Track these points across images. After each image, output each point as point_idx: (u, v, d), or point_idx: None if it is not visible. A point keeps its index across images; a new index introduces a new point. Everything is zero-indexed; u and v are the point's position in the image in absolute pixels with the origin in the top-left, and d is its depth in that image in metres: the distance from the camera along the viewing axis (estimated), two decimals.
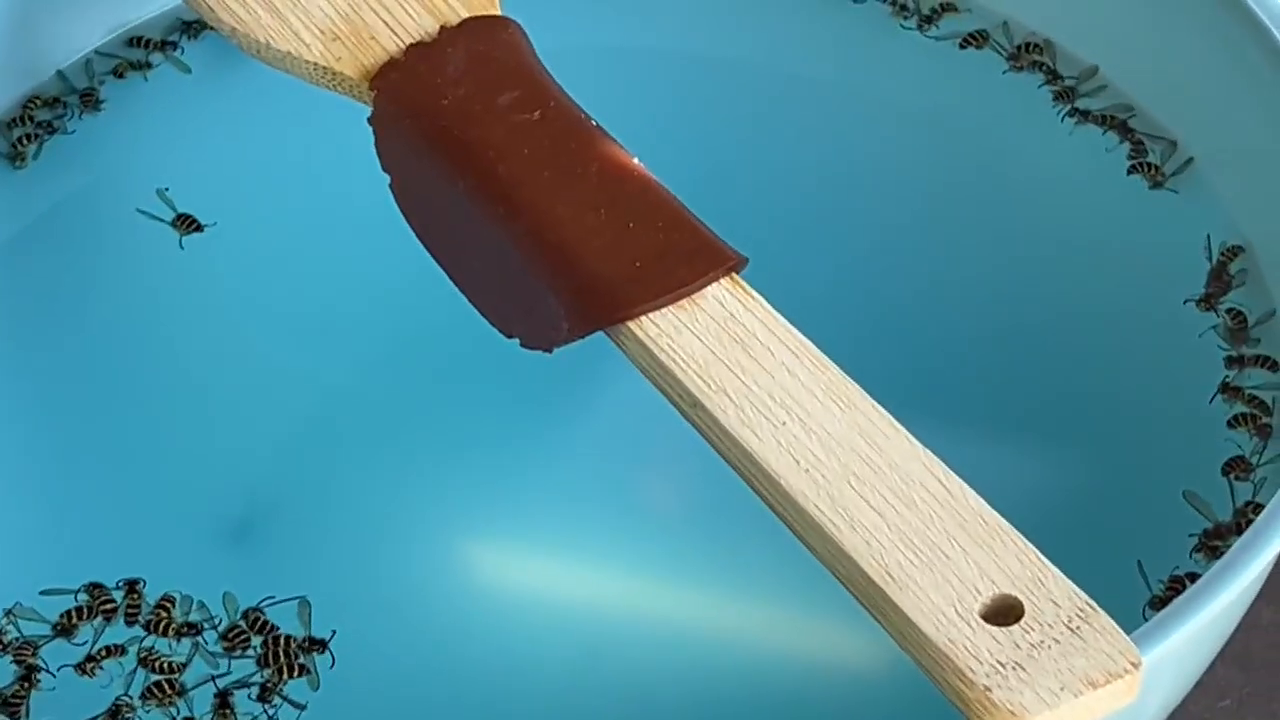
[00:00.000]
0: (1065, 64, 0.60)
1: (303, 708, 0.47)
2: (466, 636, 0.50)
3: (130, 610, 0.49)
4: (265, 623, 0.48)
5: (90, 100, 0.60)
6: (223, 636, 0.48)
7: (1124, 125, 0.58)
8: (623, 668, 0.49)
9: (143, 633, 0.48)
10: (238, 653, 0.48)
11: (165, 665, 0.48)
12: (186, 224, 0.57)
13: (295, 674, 0.48)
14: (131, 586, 0.49)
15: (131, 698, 0.47)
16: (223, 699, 0.47)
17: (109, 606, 0.49)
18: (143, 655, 0.48)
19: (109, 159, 0.59)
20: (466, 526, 0.52)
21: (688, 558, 0.51)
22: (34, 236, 0.58)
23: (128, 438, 0.54)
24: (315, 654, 0.48)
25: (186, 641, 0.48)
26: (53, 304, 0.56)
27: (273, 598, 0.49)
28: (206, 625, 0.48)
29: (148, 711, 0.47)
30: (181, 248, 0.56)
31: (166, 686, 0.47)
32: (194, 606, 0.49)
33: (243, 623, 0.48)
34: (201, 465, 0.53)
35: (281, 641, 0.48)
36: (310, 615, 0.49)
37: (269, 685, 0.47)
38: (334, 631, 0.48)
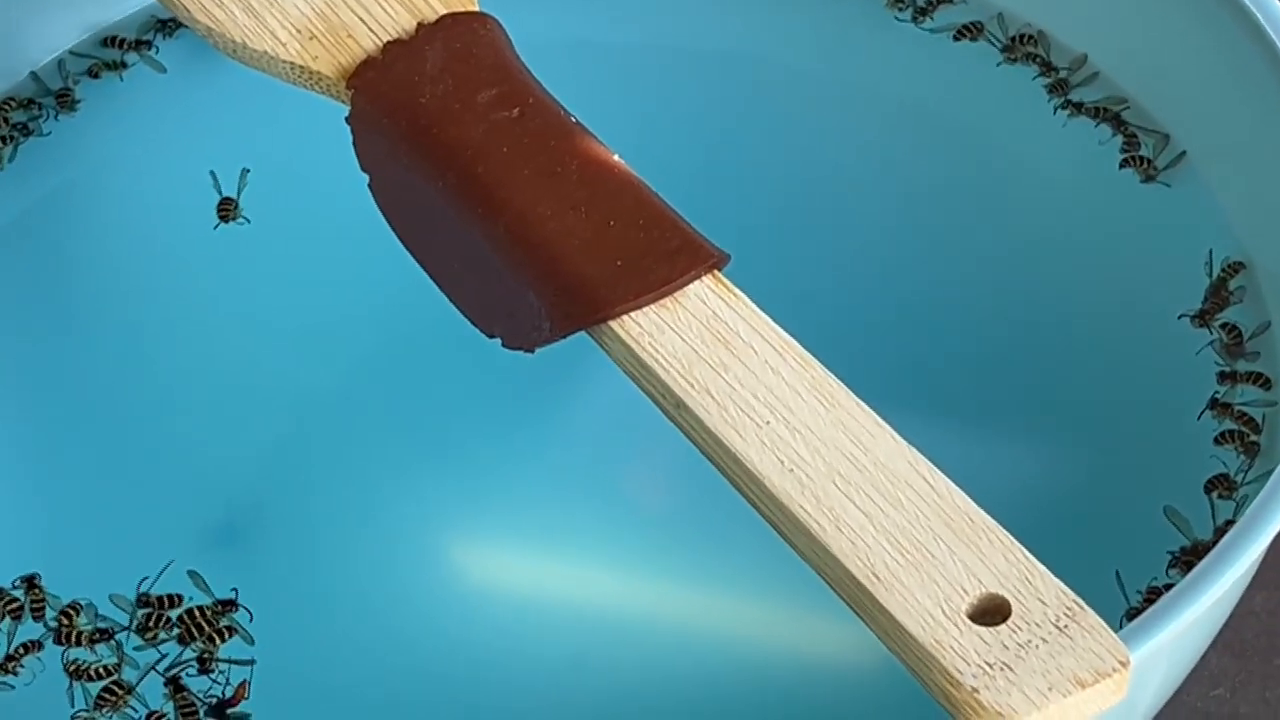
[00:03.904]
0: (1059, 56, 0.60)
1: (251, 663, 0.47)
2: (451, 636, 0.50)
3: (35, 606, 0.49)
4: (166, 598, 0.48)
5: (65, 101, 0.60)
6: (140, 631, 0.48)
7: (1117, 118, 0.58)
8: (609, 665, 0.49)
9: (55, 635, 0.48)
10: (162, 637, 0.48)
11: (100, 671, 0.47)
12: (225, 211, 0.56)
13: (224, 638, 0.48)
14: (30, 582, 0.49)
15: (91, 713, 0.47)
16: (174, 683, 0.47)
17: (14, 606, 0.49)
18: (72, 669, 0.48)
19: (85, 160, 0.59)
20: (450, 526, 0.52)
21: (674, 554, 0.51)
22: (11, 239, 0.57)
23: (109, 442, 0.54)
24: (232, 614, 0.48)
25: (103, 647, 0.48)
26: (30, 307, 0.56)
27: (147, 577, 0.48)
28: (117, 628, 0.48)
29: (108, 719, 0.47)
30: (214, 229, 0.56)
31: (115, 689, 0.47)
32: (96, 614, 0.49)
33: (147, 610, 0.48)
34: (183, 469, 0.53)
35: (195, 614, 0.48)
36: (205, 580, 0.49)
37: (205, 657, 0.47)
38: (235, 589, 0.48)
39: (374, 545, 0.51)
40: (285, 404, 0.54)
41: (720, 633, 0.49)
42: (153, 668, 0.47)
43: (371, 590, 0.50)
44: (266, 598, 0.49)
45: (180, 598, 0.48)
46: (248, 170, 0.57)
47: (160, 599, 0.48)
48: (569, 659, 0.49)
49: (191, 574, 0.49)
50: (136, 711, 0.46)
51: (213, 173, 0.57)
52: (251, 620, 0.48)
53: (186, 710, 0.46)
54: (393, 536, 0.51)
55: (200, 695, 0.47)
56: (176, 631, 0.48)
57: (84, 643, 0.48)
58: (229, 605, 0.48)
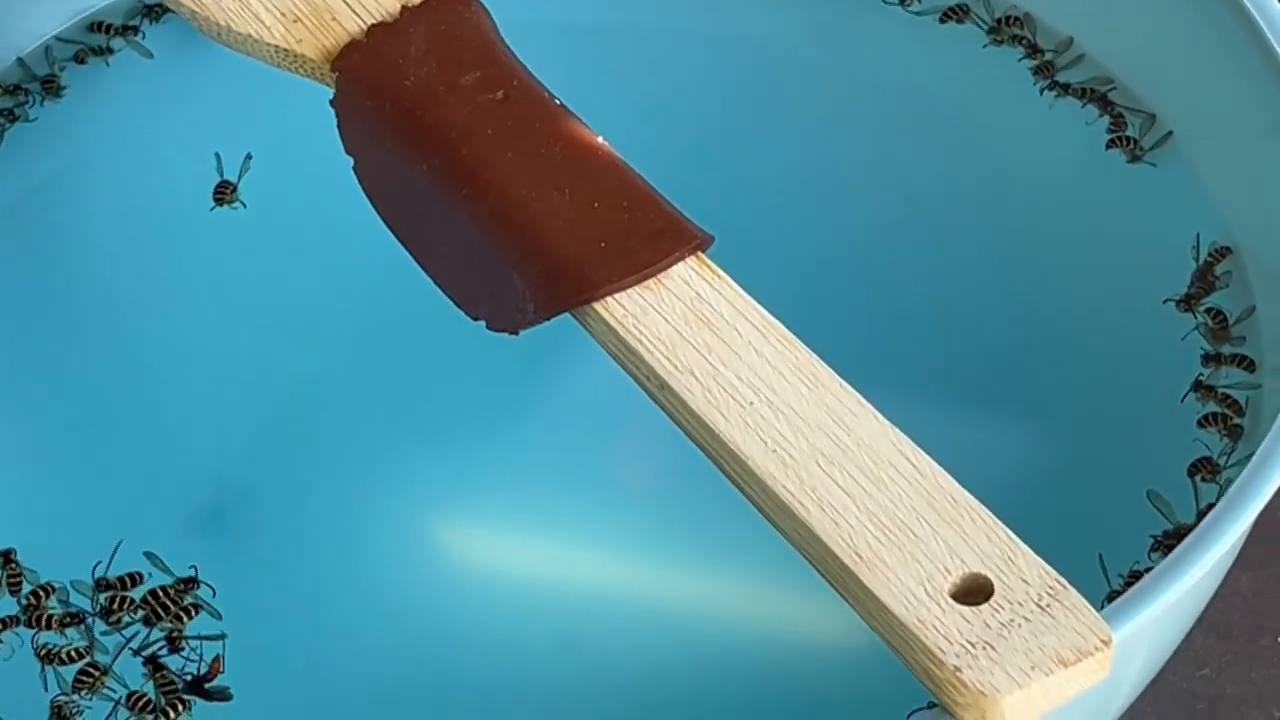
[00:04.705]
0: (1045, 38, 0.60)
1: (222, 637, 0.47)
2: (439, 616, 0.50)
3: (11, 581, 0.49)
4: (127, 578, 0.48)
5: (51, 87, 0.60)
6: (103, 614, 0.48)
7: (1104, 99, 0.58)
8: (597, 643, 0.49)
9: (25, 617, 0.48)
10: (126, 620, 0.48)
11: (71, 654, 0.47)
12: (222, 194, 0.56)
13: (191, 615, 0.48)
14: (6, 557, 0.49)
15: (70, 696, 0.46)
16: (153, 662, 0.47)
17: None
18: (43, 653, 0.47)
19: (72, 146, 0.59)
20: (438, 507, 0.52)
21: (661, 533, 0.51)
22: None
23: (99, 427, 0.54)
24: (195, 591, 0.48)
25: (73, 631, 0.48)
26: (17, 292, 0.56)
27: (100, 562, 0.48)
28: (87, 612, 0.48)
29: (89, 702, 0.46)
30: (210, 210, 0.56)
31: (92, 670, 0.47)
32: (67, 597, 0.48)
33: (109, 594, 0.48)
34: (173, 452, 0.53)
35: (159, 594, 0.48)
36: (162, 560, 0.49)
37: (174, 636, 0.47)
38: (194, 566, 0.48)
39: (362, 527, 0.51)
40: (273, 389, 0.54)
41: (707, 611, 0.50)
42: (125, 646, 0.47)
43: (360, 572, 0.50)
44: (254, 579, 0.50)
45: (141, 575, 0.48)
46: (250, 156, 0.57)
47: (120, 580, 0.48)
48: (557, 638, 0.49)
49: (149, 555, 0.49)
50: (115, 692, 0.46)
51: (217, 154, 0.57)
52: (214, 596, 0.48)
53: (167, 688, 0.46)
54: (381, 518, 0.51)
55: (177, 673, 0.47)
56: (141, 613, 0.48)
57: (53, 626, 0.48)
58: (191, 583, 0.48)
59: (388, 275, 0.48)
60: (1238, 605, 0.56)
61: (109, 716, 0.46)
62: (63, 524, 0.51)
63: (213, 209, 0.56)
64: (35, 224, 0.58)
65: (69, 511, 0.51)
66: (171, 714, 0.46)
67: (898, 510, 0.38)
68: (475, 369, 0.53)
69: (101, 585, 0.48)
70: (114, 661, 0.47)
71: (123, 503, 0.52)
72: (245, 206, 0.56)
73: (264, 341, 0.55)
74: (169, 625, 0.47)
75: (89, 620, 0.48)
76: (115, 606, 0.48)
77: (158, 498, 0.52)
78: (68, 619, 0.48)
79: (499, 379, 0.53)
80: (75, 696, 0.46)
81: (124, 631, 0.48)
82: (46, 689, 0.47)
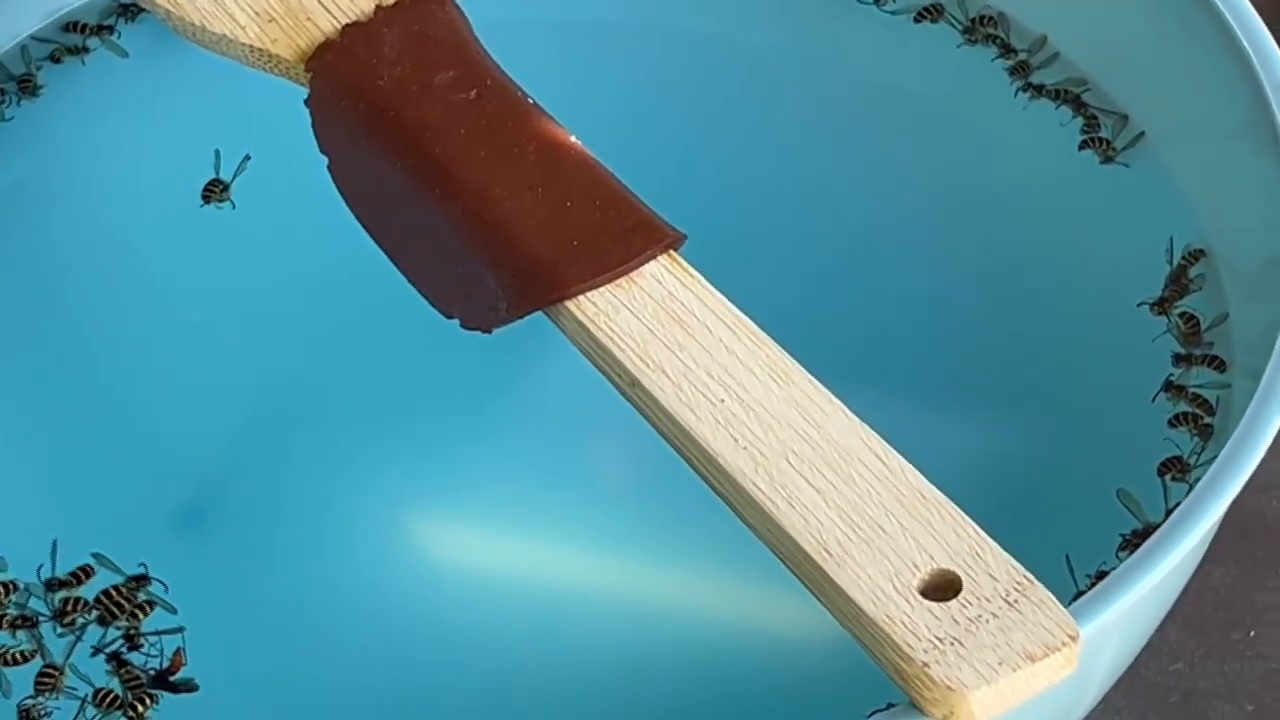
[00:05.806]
0: (1019, 38, 0.60)
1: (180, 630, 0.47)
2: (416, 612, 0.50)
3: None
4: (81, 571, 0.48)
5: (28, 87, 0.60)
6: (58, 616, 0.48)
7: (1077, 100, 0.58)
8: (576, 639, 0.49)
9: None
10: (80, 621, 0.48)
11: (17, 656, 0.47)
12: (211, 192, 0.56)
13: (146, 612, 0.48)
14: None
15: (36, 698, 0.46)
16: (116, 659, 0.47)
17: None
18: None
19: (48, 144, 0.59)
20: (416, 504, 0.52)
21: (639, 529, 0.51)
22: None
23: (75, 425, 0.53)
24: (147, 587, 0.48)
25: (23, 634, 0.48)
26: None
27: (42, 565, 0.48)
28: (41, 617, 0.48)
29: (55, 703, 0.46)
30: (200, 207, 0.56)
31: (52, 671, 0.46)
32: (28, 597, 0.48)
33: (63, 595, 0.48)
34: (149, 450, 0.53)
35: (112, 594, 0.48)
36: (110, 560, 0.48)
37: (132, 633, 0.47)
38: (143, 563, 0.48)
39: (339, 523, 0.51)
40: (250, 387, 0.54)
41: (682, 607, 0.50)
42: (74, 646, 0.47)
43: (337, 568, 0.50)
44: (230, 576, 0.50)
45: (91, 568, 0.48)
46: (249, 157, 0.57)
47: (73, 576, 0.48)
48: (536, 634, 0.49)
49: (96, 555, 0.49)
50: (78, 690, 0.46)
51: (217, 151, 0.57)
52: (167, 591, 0.48)
53: (133, 684, 0.46)
54: (358, 514, 0.51)
55: (140, 668, 0.47)
56: (96, 614, 0.48)
57: (3, 626, 0.47)
58: (142, 580, 0.48)
59: (363, 274, 0.48)
60: (1210, 600, 0.56)
61: (77, 715, 0.46)
62: (38, 523, 0.51)
63: (201, 206, 0.56)
64: (11, 222, 0.58)
65: (44, 510, 0.51)
66: (140, 708, 0.46)
67: (867, 507, 0.38)
68: (450, 367, 0.53)
69: (51, 585, 0.48)
70: (66, 661, 0.47)
71: (99, 501, 0.51)
72: (235, 206, 0.57)
73: (241, 340, 0.55)
74: (125, 624, 0.47)
75: (41, 625, 0.48)
76: (69, 608, 0.48)
77: (135, 495, 0.52)
78: (20, 621, 0.48)
79: (473, 377, 0.53)
80: (41, 698, 0.46)
81: (79, 630, 0.47)
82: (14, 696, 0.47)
